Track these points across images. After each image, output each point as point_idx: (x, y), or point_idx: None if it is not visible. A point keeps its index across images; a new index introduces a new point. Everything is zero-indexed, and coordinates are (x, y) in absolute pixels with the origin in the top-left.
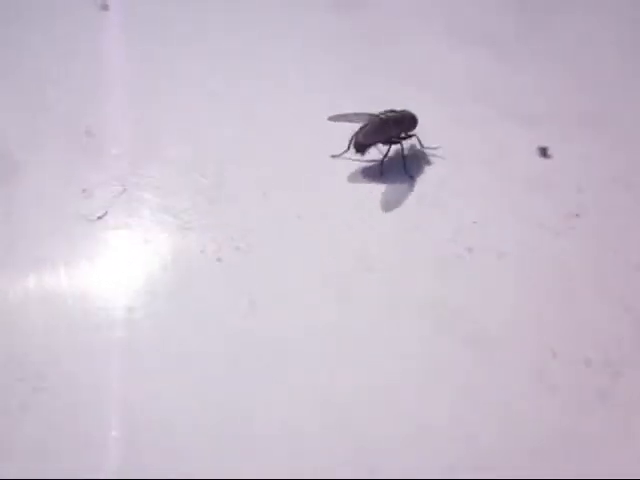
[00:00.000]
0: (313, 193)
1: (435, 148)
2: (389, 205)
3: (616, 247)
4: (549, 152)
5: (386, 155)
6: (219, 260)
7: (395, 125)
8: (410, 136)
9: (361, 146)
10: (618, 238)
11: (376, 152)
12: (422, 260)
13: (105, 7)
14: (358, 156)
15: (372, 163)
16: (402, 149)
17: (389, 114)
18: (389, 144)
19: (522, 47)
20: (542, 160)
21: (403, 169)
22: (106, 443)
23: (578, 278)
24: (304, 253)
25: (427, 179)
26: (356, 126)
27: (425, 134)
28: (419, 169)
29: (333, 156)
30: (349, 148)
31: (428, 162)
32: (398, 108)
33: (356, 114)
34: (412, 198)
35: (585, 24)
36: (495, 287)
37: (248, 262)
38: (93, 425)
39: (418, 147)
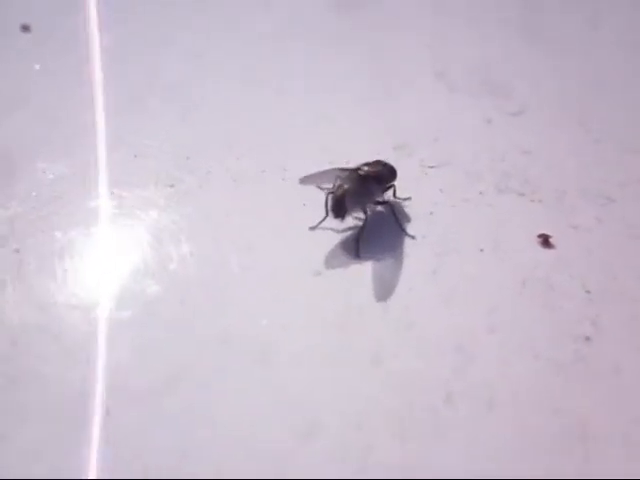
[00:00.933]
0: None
1: (407, 199)
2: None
3: None
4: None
5: (363, 228)
6: None
7: (376, 181)
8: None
9: (341, 210)
10: None
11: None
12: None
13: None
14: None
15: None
16: (392, 206)
17: (364, 168)
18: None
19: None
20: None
21: (401, 229)
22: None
23: None
24: None
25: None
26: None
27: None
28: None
29: (311, 228)
30: (327, 214)
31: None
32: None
33: (324, 172)
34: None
35: None
36: None
37: None
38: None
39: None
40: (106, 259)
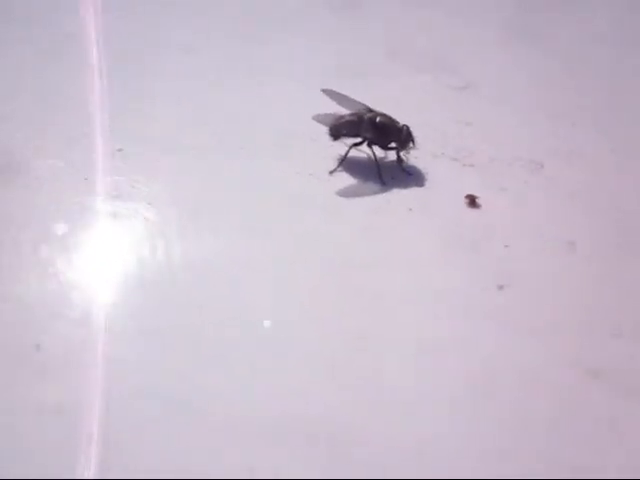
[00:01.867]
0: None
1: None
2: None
3: None
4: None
5: (344, 156)
6: None
7: (374, 128)
8: (394, 149)
9: (334, 133)
10: None
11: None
12: None
13: None
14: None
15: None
16: (374, 156)
17: (380, 116)
18: (362, 144)
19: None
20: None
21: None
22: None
23: None
24: None
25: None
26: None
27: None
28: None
29: (331, 172)
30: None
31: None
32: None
33: (350, 99)
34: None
35: None
36: None
37: None
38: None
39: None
40: (105, 255)
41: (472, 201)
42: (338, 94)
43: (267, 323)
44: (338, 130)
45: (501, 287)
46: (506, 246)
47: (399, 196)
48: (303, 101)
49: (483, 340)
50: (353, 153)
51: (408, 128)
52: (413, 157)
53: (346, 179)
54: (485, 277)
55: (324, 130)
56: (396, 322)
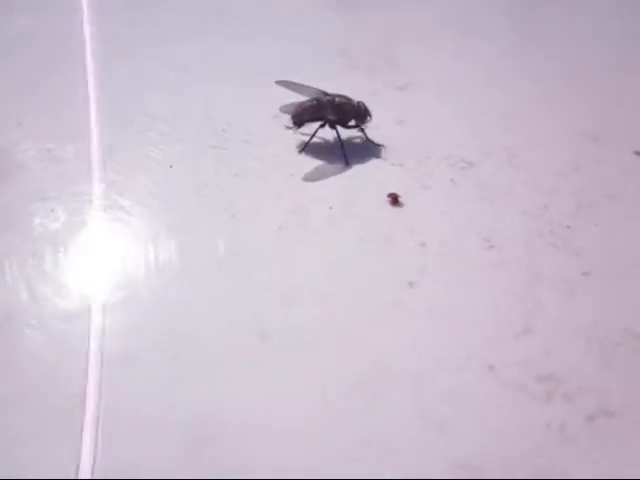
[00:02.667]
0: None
1: (379, 145)
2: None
3: None
4: None
5: (312, 136)
6: None
7: (334, 109)
8: (355, 126)
9: (297, 120)
10: None
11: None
12: None
13: None
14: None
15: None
16: (338, 135)
17: (337, 98)
18: (325, 126)
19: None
20: None
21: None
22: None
23: None
24: None
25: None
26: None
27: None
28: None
29: (287, 127)
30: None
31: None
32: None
33: (306, 87)
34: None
35: None
36: None
37: None
38: None
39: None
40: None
41: (395, 200)
42: (293, 83)
43: None
44: (301, 117)
45: (411, 284)
46: (422, 244)
47: (322, 194)
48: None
49: (384, 335)
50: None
51: (364, 104)
52: (342, 155)
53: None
54: (397, 274)
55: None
56: (304, 319)
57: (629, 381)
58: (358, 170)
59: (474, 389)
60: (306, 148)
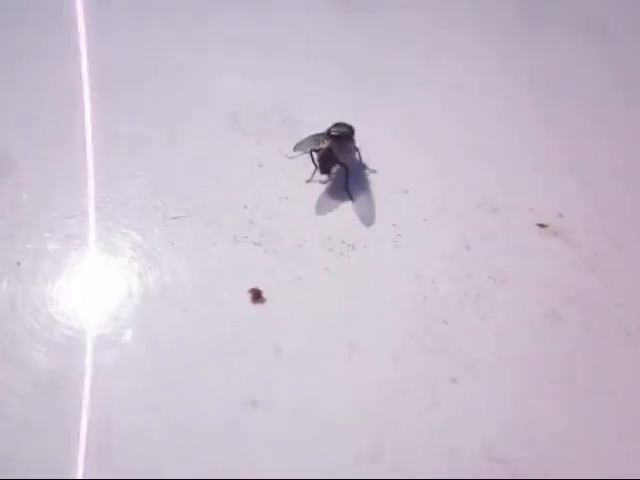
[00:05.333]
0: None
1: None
2: None
3: None
4: None
5: (348, 175)
6: None
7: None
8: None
9: (327, 166)
10: None
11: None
12: None
13: None
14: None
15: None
16: (346, 168)
17: (338, 129)
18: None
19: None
20: None
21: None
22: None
23: None
24: None
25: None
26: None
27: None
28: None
29: (307, 181)
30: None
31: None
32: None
33: (305, 139)
34: None
35: None
36: None
37: None
38: None
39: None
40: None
41: (257, 295)
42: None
43: None
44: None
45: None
46: (277, 349)
47: (177, 293)
48: None
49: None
50: None
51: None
52: (211, 244)
53: None
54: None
55: None
56: None
57: None
58: (229, 257)
59: None
60: None
